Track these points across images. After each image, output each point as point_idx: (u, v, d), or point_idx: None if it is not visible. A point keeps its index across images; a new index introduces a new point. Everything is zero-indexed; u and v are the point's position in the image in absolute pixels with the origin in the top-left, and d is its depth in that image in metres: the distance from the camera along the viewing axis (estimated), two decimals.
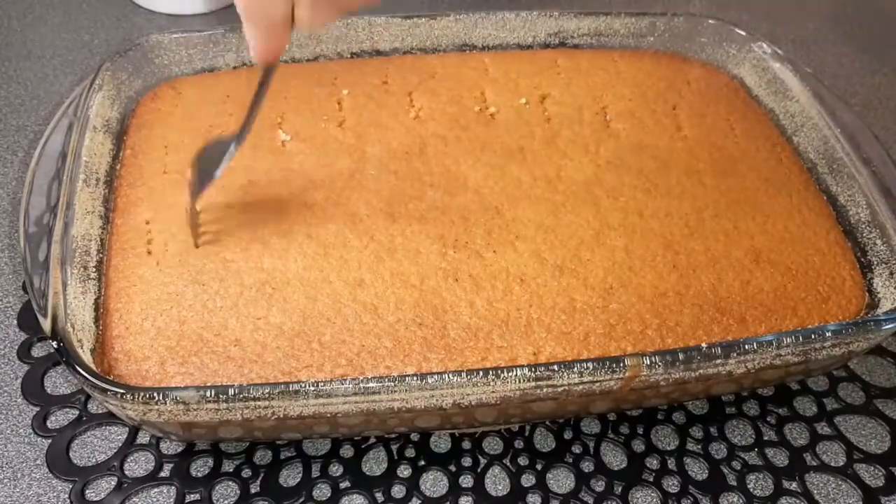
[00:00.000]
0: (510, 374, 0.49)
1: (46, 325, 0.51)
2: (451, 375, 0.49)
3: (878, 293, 0.60)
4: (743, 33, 0.77)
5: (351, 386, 0.48)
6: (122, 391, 0.48)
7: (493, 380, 0.49)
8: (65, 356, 0.50)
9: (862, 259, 0.63)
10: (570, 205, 0.62)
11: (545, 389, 0.50)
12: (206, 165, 0.58)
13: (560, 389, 0.51)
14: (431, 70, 0.73)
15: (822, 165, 0.69)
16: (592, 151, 0.66)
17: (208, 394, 0.48)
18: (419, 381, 0.49)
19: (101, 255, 0.59)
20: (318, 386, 0.48)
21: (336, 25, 0.76)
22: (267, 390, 0.48)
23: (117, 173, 0.65)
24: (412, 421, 0.54)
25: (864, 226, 0.64)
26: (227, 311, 0.55)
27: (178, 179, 0.63)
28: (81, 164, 0.61)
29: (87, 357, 0.51)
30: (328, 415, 0.50)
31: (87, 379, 0.48)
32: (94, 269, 0.58)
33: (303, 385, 0.48)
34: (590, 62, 0.76)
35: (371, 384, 0.48)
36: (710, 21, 0.79)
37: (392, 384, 0.49)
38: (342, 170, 0.64)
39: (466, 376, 0.49)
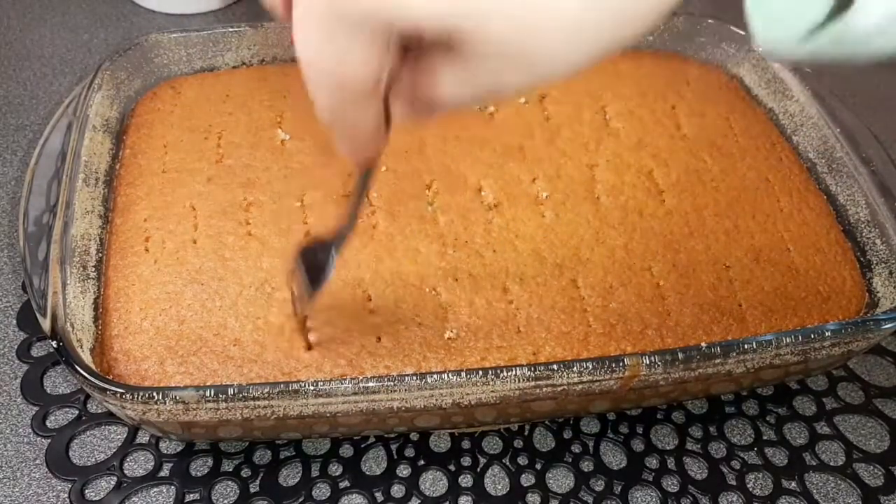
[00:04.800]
0: (509, 373, 0.49)
1: (46, 324, 0.51)
2: (450, 375, 0.49)
3: (877, 292, 0.60)
4: (742, 33, 0.77)
5: (350, 385, 0.48)
6: (121, 391, 0.48)
7: (492, 379, 0.49)
8: (64, 356, 0.49)
9: (861, 258, 0.63)
10: (570, 203, 0.62)
11: (545, 389, 0.50)
12: (309, 269, 0.52)
13: (559, 389, 0.51)
14: None
15: (822, 165, 0.69)
16: (592, 150, 0.66)
17: (208, 393, 0.48)
18: (418, 381, 0.49)
19: (100, 255, 0.59)
20: (317, 385, 0.48)
21: None
22: (266, 390, 0.48)
23: (117, 173, 0.65)
24: (412, 420, 0.54)
25: (863, 225, 0.64)
26: (227, 310, 0.55)
27: (177, 178, 0.63)
28: (81, 164, 0.61)
29: (86, 357, 0.51)
30: (328, 414, 0.50)
31: (86, 379, 0.48)
32: (93, 269, 0.58)
33: (302, 385, 0.48)
34: None
35: (370, 384, 0.48)
36: (709, 21, 0.78)
37: (391, 384, 0.49)
38: (341, 169, 0.63)
39: (466, 376, 0.49)
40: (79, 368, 0.49)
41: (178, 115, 0.69)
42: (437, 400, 0.50)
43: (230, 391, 0.48)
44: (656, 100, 0.72)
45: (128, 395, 0.48)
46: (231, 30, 0.75)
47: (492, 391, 0.50)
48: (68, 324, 0.51)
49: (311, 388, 0.48)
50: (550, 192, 0.63)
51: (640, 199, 0.63)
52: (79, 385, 0.61)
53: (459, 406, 0.51)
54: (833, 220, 0.65)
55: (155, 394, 0.48)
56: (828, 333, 0.53)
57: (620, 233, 0.61)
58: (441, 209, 0.61)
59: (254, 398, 0.48)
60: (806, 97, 0.71)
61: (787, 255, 0.61)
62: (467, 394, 0.50)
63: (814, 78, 0.72)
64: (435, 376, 0.49)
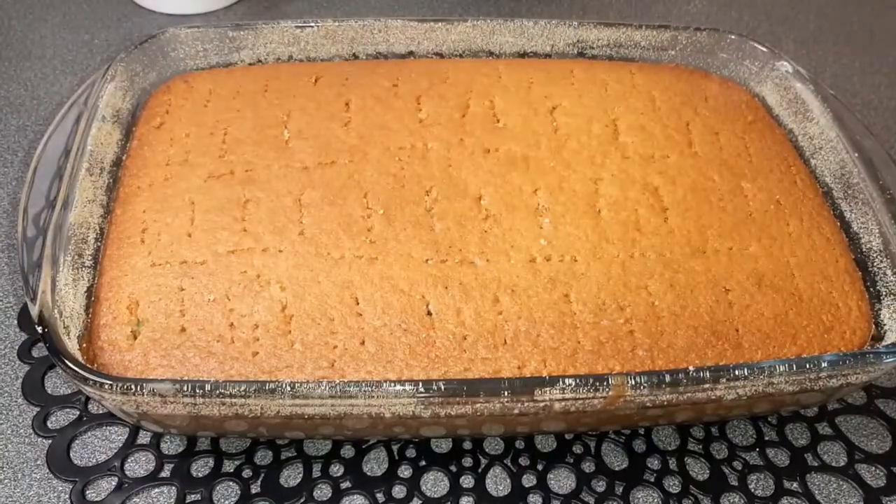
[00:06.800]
0: (487, 386, 0.48)
1: (35, 310, 0.51)
2: (427, 385, 0.48)
3: (884, 325, 0.58)
4: (765, 50, 0.75)
5: (327, 389, 0.48)
6: (99, 380, 0.48)
7: (471, 391, 0.48)
8: (48, 341, 0.50)
9: (871, 289, 0.61)
10: (570, 217, 0.61)
11: (525, 405, 0.49)
12: None
13: (541, 405, 0.50)
14: (443, 75, 0.72)
15: (838, 190, 0.66)
16: (598, 164, 0.65)
17: (184, 388, 0.48)
18: (396, 389, 0.48)
19: (98, 244, 0.59)
20: (294, 387, 0.48)
21: (352, 26, 0.76)
22: (243, 388, 0.48)
23: (123, 164, 0.65)
24: (417, 429, 0.54)
25: (875, 255, 0.62)
26: (214, 305, 0.55)
27: (180, 171, 0.63)
28: (86, 153, 0.62)
29: (72, 344, 0.51)
30: (305, 416, 0.50)
31: (66, 365, 0.49)
32: (89, 258, 0.58)
33: (279, 385, 0.48)
34: (606, 73, 0.74)
35: (349, 388, 0.48)
36: (731, 36, 0.77)
37: (369, 389, 0.48)
38: (341, 170, 0.63)
39: (444, 387, 0.48)
40: (61, 356, 0.49)
41: (189, 110, 0.69)
42: (414, 408, 0.49)
43: (207, 387, 0.48)
44: (670, 115, 0.70)
45: (107, 385, 0.48)
46: (248, 26, 0.75)
47: (472, 404, 0.49)
48: (56, 310, 0.52)
49: (288, 388, 0.48)
50: (551, 204, 0.62)
51: (642, 215, 0.61)
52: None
53: (438, 416, 0.50)
54: (845, 248, 0.63)
55: (132, 385, 0.48)
56: (824, 364, 0.51)
57: (619, 249, 0.59)
58: (438, 216, 0.60)
59: (230, 395, 0.48)
60: (826, 120, 0.69)
61: (791, 281, 0.59)
62: (446, 405, 0.49)
63: (836, 100, 0.70)
64: (412, 385, 0.48)
